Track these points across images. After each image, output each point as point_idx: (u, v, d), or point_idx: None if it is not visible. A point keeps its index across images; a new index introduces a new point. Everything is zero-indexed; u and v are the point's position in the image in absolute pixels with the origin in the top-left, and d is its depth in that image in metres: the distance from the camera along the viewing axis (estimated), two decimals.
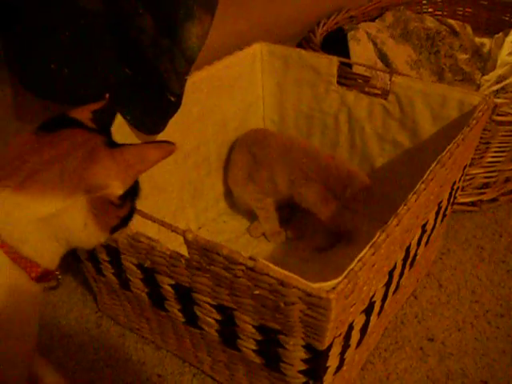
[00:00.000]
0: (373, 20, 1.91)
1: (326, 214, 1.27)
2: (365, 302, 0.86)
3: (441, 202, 1.09)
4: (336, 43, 1.64)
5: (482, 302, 1.24)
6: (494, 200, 1.52)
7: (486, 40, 1.94)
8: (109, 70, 1.04)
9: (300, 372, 0.86)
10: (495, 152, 1.40)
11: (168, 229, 0.83)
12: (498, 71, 1.79)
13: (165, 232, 0.84)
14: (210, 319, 0.92)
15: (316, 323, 0.75)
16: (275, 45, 1.43)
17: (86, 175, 0.69)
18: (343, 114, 1.40)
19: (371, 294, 0.88)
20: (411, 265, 1.07)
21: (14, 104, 1.09)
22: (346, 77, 1.37)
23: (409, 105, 1.27)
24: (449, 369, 1.10)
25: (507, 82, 1.72)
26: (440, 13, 2.13)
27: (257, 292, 0.78)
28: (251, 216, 1.42)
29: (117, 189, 0.71)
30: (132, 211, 0.77)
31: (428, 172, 0.92)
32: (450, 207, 1.21)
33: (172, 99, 1.05)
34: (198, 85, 1.26)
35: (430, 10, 2.12)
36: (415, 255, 1.07)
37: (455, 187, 1.18)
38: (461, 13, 2.13)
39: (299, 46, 1.68)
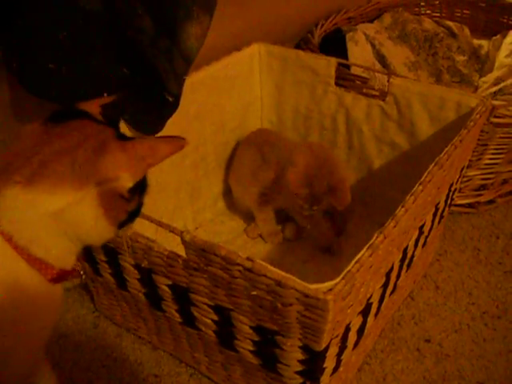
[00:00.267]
0: (371, 21, 1.91)
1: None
2: (362, 303, 0.86)
3: (438, 204, 1.09)
4: (334, 44, 1.64)
5: (479, 304, 1.24)
6: (491, 202, 1.52)
7: (483, 42, 1.94)
8: (107, 70, 1.04)
9: (297, 373, 0.86)
10: (493, 154, 1.40)
11: (166, 229, 0.83)
12: (496, 73, 1.79)
13: (162, 232, 0.84)
14: (207, 320, 0.92)
15: (313, 324, 0.75)
16: (273, 45, 1.43)
17: (97, 167, 0.68)
18: (341, 115, 1.40)
19: (368, 295, 0.88)
20: (408, 266, 1.07)
21: (12, 103, 1.09)
22: (344, 78, 1.37)
23: (406, 106, 1.27)
24: (445, 370, 1.10)
25: (505, 83, 1.72)
26: (438, 14, 2.13)
27: (254, 293, 0.78)
28: (248, 217, 1.42)
29: (127, 181, 0.70)
30: (140, 206, 0.76)
31: (426, 174, 0.92)
32: (447, 209, 1.22)
33: (170, 99, 1.05)
34: (197, 85, 1.26)
35: (428, 11, 2.12)
36: (412, 257, 1.07)
37: (452, 189, 1.18)
38: (459, 15, 2.13)
39: (297, 46, 1.68)
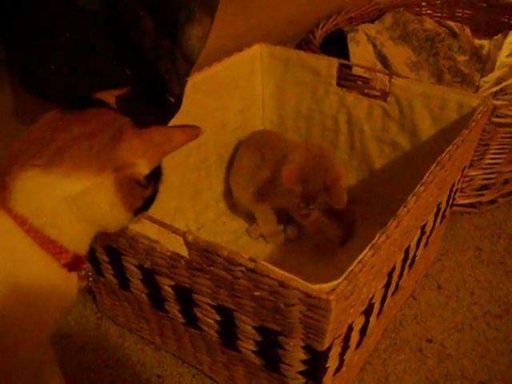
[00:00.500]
0: (372, 22, 1.91)
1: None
2: (364, 303, 0.87)
3: (440, 204, 1.09)
4: (335, 45, 1.64)
5: (481, 304, 1.24)
6: (492, 201, 1.52)
7: (485, 42, 1.94)
8: (109, 71, 1.04)
9: (299, 373, 0.86)
10: (494, 154, 1.40)
11: (168, 230, 0.83)
12: (497, 73, 1.79)
13: (165, 233, 0.84)
14: (209, 320, 0.92)
15: (316, 324, 0.75)
16: (275, 46, 1.44)
17: (114, 153, 0.69)
18: (342, 115, 1.40)
19: (371, 295, 0.88)
20: (410, 266, 1.08)
21: (13, 105, 1.09)
22: (346, 78, 1.37)
23: (408, 106, 1.27)
24: (448, 370, 1.10)
25: (506, 83, 1.72)
26: (439, 14, 2.13)
27: (257, 293, 0.78)
28: (250, 217, 1.42)
29: (143, 168, 0.71)
30: (155, 193, 0.78)
31: (427, 174, 0.93)
32: (449, 209, 1.22)
33: (172, 100, 1.05)
34: (198, 86, 1.26)
35: (429, 11, 2.12)
36: (414, 256, 1.07)
37: (454, 189, 1.18)
38: (460, 14, 2.13)
39: (299, 47, 1.69)
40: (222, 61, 1.34)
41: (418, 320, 1.20)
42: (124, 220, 0.75)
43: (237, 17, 1.44)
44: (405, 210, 0.86)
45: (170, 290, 0.93)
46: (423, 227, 1.04)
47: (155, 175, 0.76)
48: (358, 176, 1.45)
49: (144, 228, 0.87)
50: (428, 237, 1.11)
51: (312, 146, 1.24)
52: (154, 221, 0.85)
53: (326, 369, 0.85)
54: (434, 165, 0.95)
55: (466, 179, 1.42)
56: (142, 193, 0.74)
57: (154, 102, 1.07)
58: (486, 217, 1.51)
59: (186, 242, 0.81)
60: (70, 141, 0.69)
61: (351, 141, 1.42)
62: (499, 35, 1.92)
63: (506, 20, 2.06)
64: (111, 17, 0.99)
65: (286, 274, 0.73)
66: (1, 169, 0.68)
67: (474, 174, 1.42)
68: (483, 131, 1.29)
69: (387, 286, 0.95)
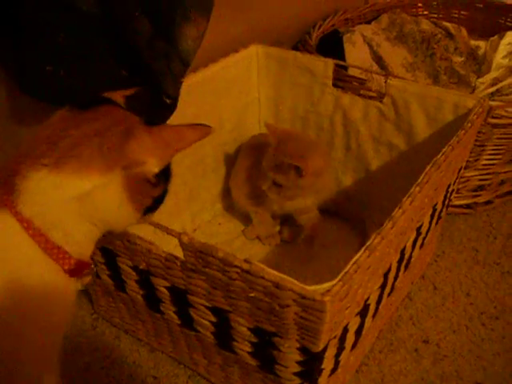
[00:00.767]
0: (368, 22, 1.91)
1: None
2: (360, 304, 0.87)
3: (436, 205, 1.09)
4: (332, 46, 1.64)
5: (477, 304, 1.24)
6: (488, 202, 1.52)
7: (481, 43, 1.94)
8: (106, 72, 1.04)
9: (295, 374, 0.86)
10: (490, 155, 1.40)
11: (163, 231, 0.83)
12: (493, 74, 1.79)
13: (160, 234, 0.84)
14: (205, 321, 0.92)
15: (311, 325, 0.75)
16: (271, 47, 1.44)
17: (124, 151, 0.69)
18: (338, 116, 1.40)
19: (366, 296, 0.88)
20: (406, 267, 1.08)
21: (10, 106, 1.09)
22: (342, 79, 1.37)
23: (404, 107, 1.27)
24: (443, 371, 1.10)
25: (502, 84, 1.72)
26: (435, 15, 2.13)
27: (252, 294, 0.78)
28: (246, 218, 1.42)
29: (153, 166, 0.71)
30: (164, 193, 0.77)
31: (423, 175, 0.93)
32: (444, 210, 1.22)
33: (168, 101, 1.05)
34: (194, 87, 1.26)
35: (425, 12, 2.12)
36: (410, 257, 1.07)
37: (450, 190, 1.18)
38: (456, 16, 2.13)
39: (295, 48, 1.68)
40: (218, 62, 1.34)
41: (414, 321, 1.20)
42: (132, 219, 0.74)
43: (233, 17, 1.44)
44: (400, 210, 0.86)
45: (165, 291, 0.93)
46: (419, 228, 1.04)
47: (165, 174, 0.75)
48: (353, 176, 1.45)
49: (139, 229, 0.87)
50: (424, 238, 1.11)
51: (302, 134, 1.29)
52: (149, 222, 0.85)
53: (322, 370, 0.85)
54: (430, 165, 0.95)
55: (462, 180, 1.42)
56: (152, 192, 0.74)
57: (150, 104, 1.07)
58: (482, 218, 1.51)
59: (181, 244, 0.81)
60: (80, 139, 0.68)
61: (347, 141, 1.42)
62: (495, 36, 1.92)
63: (503, 21, 2.06)
64: (107, 17, 0.99)
65: (281, 275, 0.73)
66: (9, 168, 0.68)
67: (469, 174, 1.42)
68: (479, 132, 1.30)
69: (383, 286, 0.95)
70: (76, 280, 0.72)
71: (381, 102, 1.31)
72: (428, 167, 0.94)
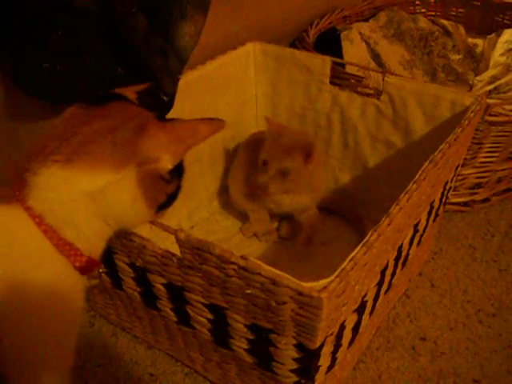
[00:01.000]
0: (366, 20, 1.91)
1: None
2: (357, 301, 0.86)
3: (433, 202, 1.09)
4: (329, 43, 1.64)
5: (474, 302, 1.24)
6: (486, 200, 1.53)
7: (478, 41, 1.95)
8: (102, 69, 1.03)
9: (292, 371, 0.86)
10: (487, 152, 1.40)
11: (160, 228, 0.83)
12: (491, 72, 1.80)
13: (157, 231, 0.84)
14: (202, 318, 0.91)
15: (307, 322, 0.75)
16: (268, 44, 1.43)
17: (138, 147, 0.68)
18: (336, 113, 1.40)
19: (363, 293, 0.88)
20: (403, 264, 1.08)
21: (6, 103, 1.08)
22: (339, 77, 1.37)
23: (401, 105, 1.27)
24: (441, 368, 1.10)
25: (500, 82, 1.73)
26: (433, 13, 2.13)
27: (249, 291, 0.78)
28: (244, 215, 1.42)
29: (167, 162, 0.71)
30: (178, 189, 0.77)
31: (420, 172, 0.92)
32: (442, 207, 1.22)
33: (165, 99, 1.05)
34: (191, 84, 1.25)
35: (423, 10, 2.13)
36: (407, 255, 1.07)
37: (447, 187, 1.18)
38: (454, 13, 2.13)
39: (292, 45, 1.69)
40: (215, 59, 1.34)
41: (412, 318, 1.20)
42: (146, 216, 0.74)
43: (230, 15, 1.44)
44: (397, 207, 0.85)
45: (162, 288, 0.93)
46: (416, 225, 1.04)
47: (178, 170, 0.75)
48: (351, 174, 1.45)
49: None
50: (421, 235, 1.11)
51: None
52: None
53: (319, 367, 0.85)
54: (427, 163, 0.95)
55: (460, 178, 1.42)
56: (166, 188, 0.73)
57: (147, 101, 1.07)
58: (480, 215, 1.51)
59: (178, 240, 0.81)
60: (92, 135, 0.68)
61: (344, 139, 1.42)
62: (493, 34, 1.93)
63: (500, 19, 2.06)
64: (104, 14, 0.99)
65: (278, 271, 0.73)
66: (21, 165, 0.67)
67: (467, 172, 1.42)
68: (476, 130, 1.30)
69: (380, 284, 0.95)
70: (86, 278, 0.72)
71: (378, 99, 1.31)
72: (425, 164, 0.94)
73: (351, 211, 1.44)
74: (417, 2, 2.11)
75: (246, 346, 0.89)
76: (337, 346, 0.87)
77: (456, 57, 1.87)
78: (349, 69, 1.44)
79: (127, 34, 0.99)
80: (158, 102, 1.06)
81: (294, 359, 0.83)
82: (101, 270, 0.74)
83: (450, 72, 1.81)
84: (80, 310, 0.73)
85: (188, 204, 1.39)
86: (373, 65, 1.67)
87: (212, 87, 1.33)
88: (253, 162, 1.31)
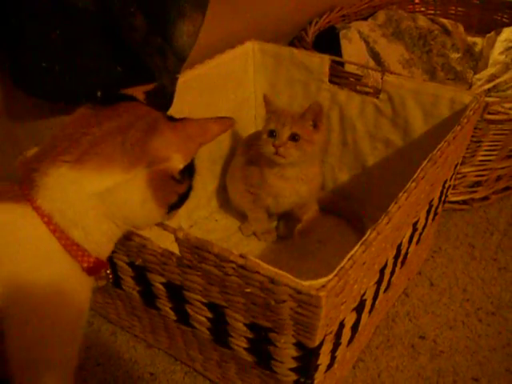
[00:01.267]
0: (365, 19, 1.91)
1: None
2: (356, 299, 0.86)
3: (432, 201, 1.09)
4: (328, 42, 1.64)
5: (473, 300, 1.24)
6: (485, 198, 1.53)
7: (477, 39, 1.95)
8: (101, 69, 1.03)
9: (291, 370, 0.86)
10: (486, 151, 1.40)
11: (159, 227, 0.83)
12: (490, 70, 1.80)
13: (156, 230, 0.84)
14: (201, 317, 0.91)
15: (306, 321, 0.75)
16: (267, 43, 1.43)
17: (148, 147, 0.68)
18: (335, 112, 1.40)
19: (362, 291, 0.88)
20: (402, 263, 1.08)
21: (6, 103, 1.08)
22: (338, 75, 1.37)
23: (400, 103, 1.27)
24: (440, 366, 1.10)
25: (499, 80, 1.73)
26: (432, 12, 2.14)
27: (248, 290, 0.78)
28: (242, 215, 1.42)
29: (178, 162, 0.70)
30: (190, 189, 0.76)
31: (419, 170, 0.92)
32: (441, 205, 1.22)
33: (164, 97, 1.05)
34: (190, 83, 1.25)
35: (422, 9, 2.13)
36: (406, 253, 1.07)
37: (446, 185, 1.18)
38: (453, 12, 2.14)
39: (291, 44, 1.69)
40: (214, 58, 1.33)
41: (411, 317, 1.20)
42: (157, 216, 0.74)
43: (229, 14, 1.44)
44: (396, 206, 0.85)
45: (161, 287, 0.93)
46: (415, 224, 1.04)
47: (189, 170, 0.74)
48: (350, 173, 1.45)
49: None
50: (420, 233, 1.11)
51: None
52: None
53: (318, 366, 0.85)
54: (426, 161, 0.95)
55: (459, 176, 1.42)
56: (177, 188, 0.73)
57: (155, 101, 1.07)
58: (479, 213, 1.51)
59: (177, 239, 0.81)
60: (102, 136, 0.68)
61: (344, 137, 1.42)
62: (492, 33, 1.93)
63: (499, 18, 2.07)
64: (102, 14, 0.99)
65: (277, 270, 0.73)
66: (30, 165, 0.67)
67: (466, 170, 1.43)
68: (475, 128, 1.30)
69: (379, 282, 0.95)
70: (93, 279, 0.72)
71: (377, 98, 1.31)
72: (424, 163, 0.94)
73: (350, 210, 1.44)
74: (416, 1, 2.12)
75: (245, 345, 0.89)
76: (336, 344, 0.87)
77: (455, 55, 1.87)
78: (348, 67, 1.44)
79: (126, 34, 0.99)
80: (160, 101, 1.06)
81: (294, 358, 0.83)
82: (108, 272, 0.73)
83: (449, 71, 1.81)
84: (86, 310, 0.73)
85: (187, 203, 1.37)
86: (372, 63, 1.68)
87: (211, 86, 1.33)
88: (252, 162, 1.32)
